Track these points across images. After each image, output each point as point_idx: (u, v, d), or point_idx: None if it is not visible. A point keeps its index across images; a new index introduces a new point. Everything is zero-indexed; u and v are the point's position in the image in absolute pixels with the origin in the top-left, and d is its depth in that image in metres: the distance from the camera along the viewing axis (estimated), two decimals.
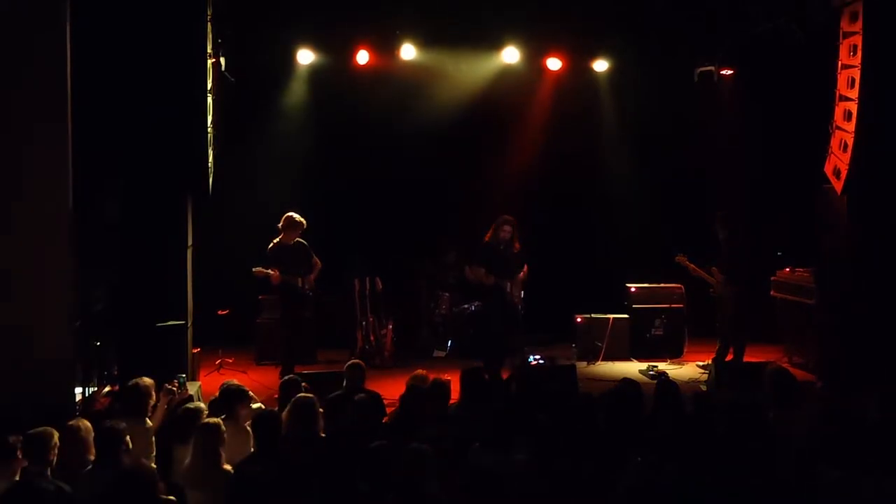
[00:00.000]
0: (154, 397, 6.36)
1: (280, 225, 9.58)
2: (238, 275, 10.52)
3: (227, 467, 5.31)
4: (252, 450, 5.66)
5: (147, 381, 6.35)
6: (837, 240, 9.35)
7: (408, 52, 11.38)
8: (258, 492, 4.60)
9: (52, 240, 7.00)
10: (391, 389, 8.28)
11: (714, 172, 11.94)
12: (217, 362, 10.36)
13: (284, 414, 5.94)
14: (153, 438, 6.08)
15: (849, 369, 8.69)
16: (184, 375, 8.38)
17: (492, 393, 6.96)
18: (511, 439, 5.50)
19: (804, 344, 10.00)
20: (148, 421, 6.17)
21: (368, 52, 11.37)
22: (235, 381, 6.89)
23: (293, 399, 5.85)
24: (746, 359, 8.20)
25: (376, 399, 6.89)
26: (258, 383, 9.55)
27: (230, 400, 6.27)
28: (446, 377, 7.16)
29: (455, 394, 7.09)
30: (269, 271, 9.37)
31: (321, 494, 4.73)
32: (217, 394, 6.55)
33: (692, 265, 9.81)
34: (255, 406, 6.55)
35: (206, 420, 5.67)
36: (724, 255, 9.61)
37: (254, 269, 9.43)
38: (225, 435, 5.45)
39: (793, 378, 6.47)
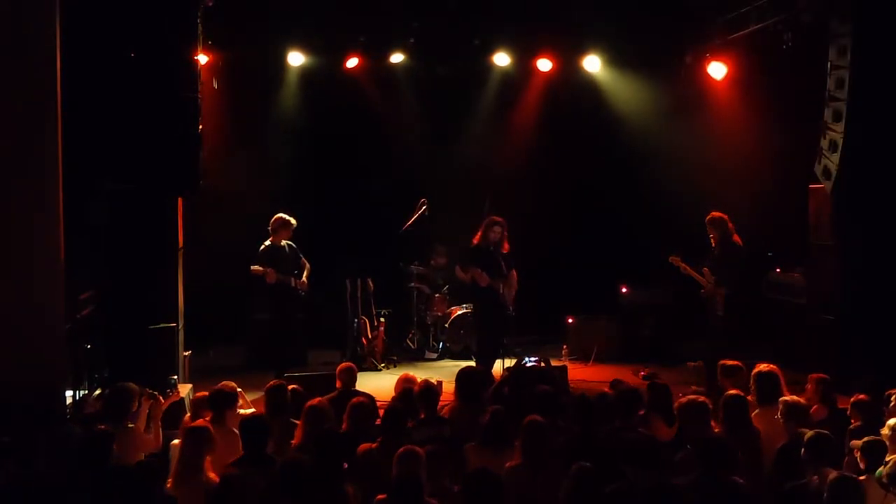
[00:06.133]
0: (137, 402, 6.34)
1: (271, 227, 9.57)
2: (229, 276, 10.51)
3: (211, 474, 5.29)
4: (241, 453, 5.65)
5: (131, 385, 6.34)
6: (827, 239, 9.38)
7: (398, 57, 11.41)
8: (244, 496, 4.59)
9: (42, 242, 6.96)
10: (383, 391, 8.26)
11: (707, 171, 11.94)
12: (207, 365, 10.31)
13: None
14: (137, 442, 6.08)
15: (839, 368, 8.70)
16: (175, 378, 8.38)
17: (485, 393, 6.98)
18: (505, 440, 5.50)
19: (795, 344, 10.01)
20: (132, 425, 6.15)
21: (359, 56, 11.38)
22: (231, 384, 6.87)
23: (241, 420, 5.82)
24: (737, 359, 8.19)
25: (369, 401, 6.87)
26: (249, 385, 9.50)
27: (218, 402, 6.26)
28: (437, 380, 7.18)
29: (447, 395, 7.09)
30: (266, 270, 9.36)
31: (313, 497, 4.72)
32: (206, 395, 6.53)
33: (685, 265, 9.81)
34: (245, 410, 6.54)
35: (193, 424, 5.67)
36: (716, 255, 9.62)
37: (252, 268, 9.41)
38: (213, 439, 5.43)
39: (779, 377, 6.49)
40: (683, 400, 6.02)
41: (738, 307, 9.54)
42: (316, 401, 6.10)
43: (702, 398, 6.01)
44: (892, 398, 6.16)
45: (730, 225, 9.51)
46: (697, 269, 9.71)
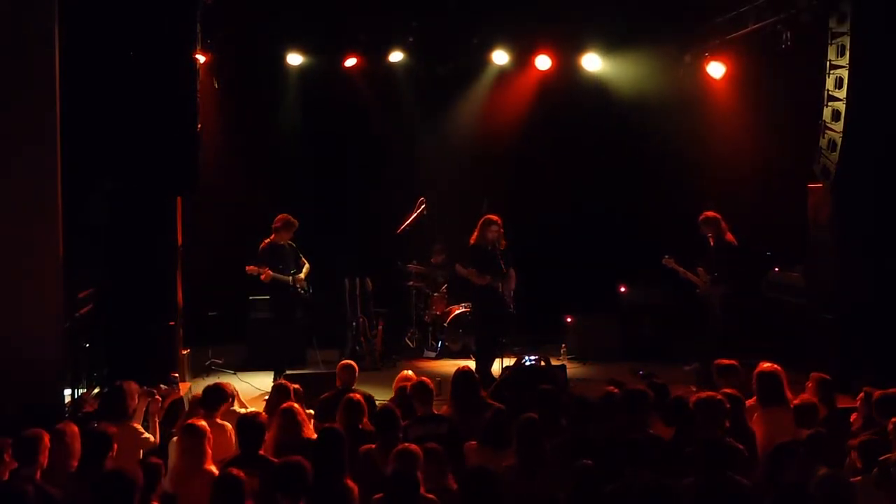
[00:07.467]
0: (136, 400, 6.35)
1: (274, 225, 9.58)
2: (228, 275, 10.51)
3: (212, 468, 5.32)
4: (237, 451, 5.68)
5: (129, 383, 6.36)
6: (826, 238, 9.38)
7: (397, 56, 11.43)
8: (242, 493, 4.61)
9: (41, 240, 6.98)
10: (382, 390, 8.26)
11: (706, 170, 11.96)
12: (207, 363, 10.33)
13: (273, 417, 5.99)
14: (137, 440, 6.10)
15: (839, 368, 8.71)
16: (176, 375, 8.41)
17: (483, 393, 6.99)
18: (505, 440, 5.51)
19: (795, 344, 10.01)
20: (130, 424, 6.17)
21: (358, 55, 11.40)
22: (225, 383, 6.88)
23: (238, 418, 5.86)
24: (735, 358, 8.20)
25: (368, 400, 6.88)
26: (248, 384, 9.54)
27: (213, 399, 6.28)
28: (437, 379, 7.17)
29: (447, 394, 7.10)
30: (261, 269, 9.37)
31: (311, 495, 4.73)
32: (202, 391, 6.56)
33: (679, 267, 9.86)
34: (242, 410, 6.56)
35: (191, 422, 5.68)
36: (711, 254, 9.66)
37: (247, 268, 9.42)
38: (211, 436, 5.46)
39: (781, 377, 6.48)
40: (703, 395, 5.96)
41: (736, 306, 9.56)
42: (289, 404, 6.11)
43: (719, 396, 5.97)
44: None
45: (723, 224, 9.62)
46: (692, 269, 9.76)
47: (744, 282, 9.92)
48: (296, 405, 6.13)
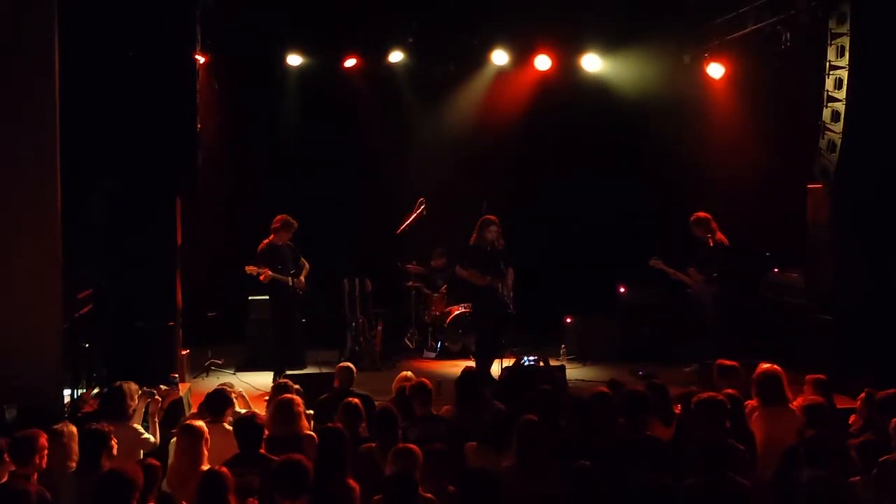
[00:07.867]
0: (135, 400, 6.35)
1: (274, 226, 9.59)
2: (227, 275, 10.51)
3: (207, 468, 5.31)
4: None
5: (129, 384, 6.36)
6: (826, 239, 9.39)
7: (396, 56, 11.43)
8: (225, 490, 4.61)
9: (40, 241, 6.99)
10: (381, 391, 8.26)
11: (705, 171, 11.96)
12: (206, 364, 10.32)
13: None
14: (136, 441, 6.09)
15: (838, 368, 8.71)
16: (176, 375, 8.41)
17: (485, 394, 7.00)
18: (506, 440, 5.51)
19: (795, 344, 10.02)
20: (130, 424, 6.16)
21: (357, 56, 11.41)
22: (229, 385, 6.89)
23: (236, 418, 5.87)
24: (735, 358, 8.21)
25: (366, 401, 6.88)
26: (247, 385, 9.53)
27: (217, 404, 6.27)
28: (436, 380, 7.17)
29: (446, 395, 7.10)
30: (261, 270, 9.37)
31: (312, 495, 4.74)
32: (205, 396, 6.55)
33: (668, 268, 9.89)
34: (243, 410, 6.56)
35: (188, 422, 5.68)
36: (711, 254, 9.68)
37: (247, 267, 9.43)
38: (208, 436, 5.46)
39: (781, 378, 6.48)
40: (704, 396, 5.96)
41: (730, 305, 9.57)
42: (285, 396, 6.12)
43: (720, 396, 5.98)
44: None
45: (713, 224, 9.66)
46: (682, 269, 9.79)
47: (741, 281, 9.93)
48: (294, 397, 6.13)
